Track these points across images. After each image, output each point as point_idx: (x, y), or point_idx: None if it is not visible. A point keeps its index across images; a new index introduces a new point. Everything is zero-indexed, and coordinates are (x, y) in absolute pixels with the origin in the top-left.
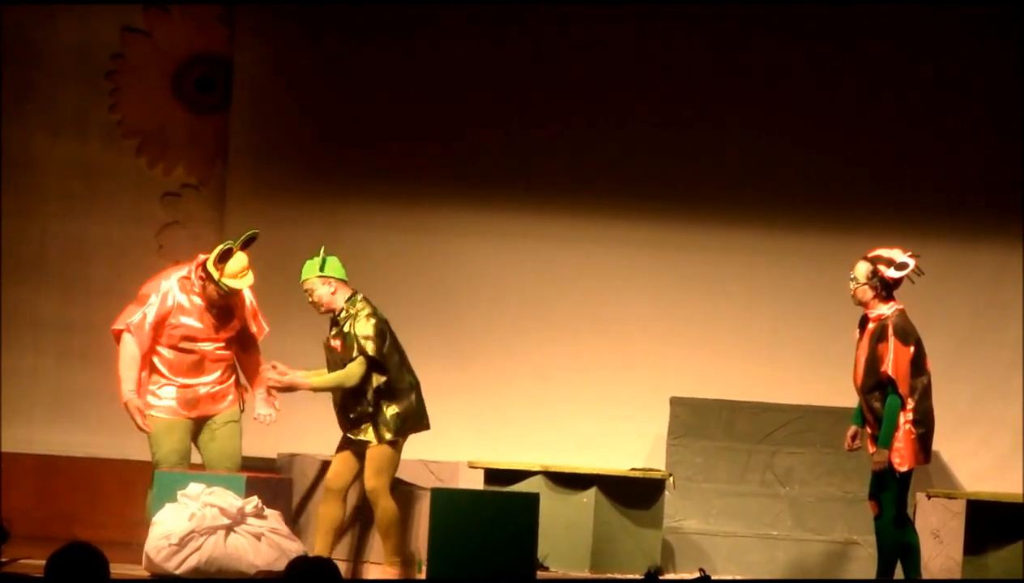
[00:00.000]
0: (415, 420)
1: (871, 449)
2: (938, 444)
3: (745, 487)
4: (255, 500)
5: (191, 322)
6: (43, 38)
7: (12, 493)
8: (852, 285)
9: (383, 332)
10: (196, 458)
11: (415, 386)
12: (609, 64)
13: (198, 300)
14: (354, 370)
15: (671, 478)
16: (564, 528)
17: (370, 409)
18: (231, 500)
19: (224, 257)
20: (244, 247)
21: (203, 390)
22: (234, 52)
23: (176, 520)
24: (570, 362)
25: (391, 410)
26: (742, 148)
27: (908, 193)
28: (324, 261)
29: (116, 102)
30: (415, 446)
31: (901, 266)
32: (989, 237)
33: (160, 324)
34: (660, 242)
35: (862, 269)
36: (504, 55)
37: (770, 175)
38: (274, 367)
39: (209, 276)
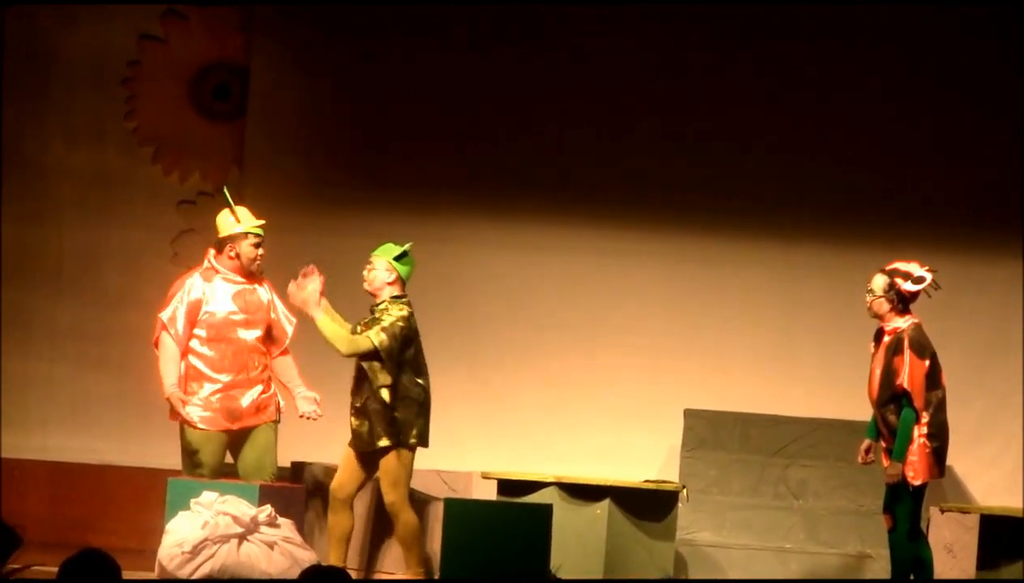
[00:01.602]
0: (417, 434)
1: (885, 462)
2: (952, 458)
3: (758, 500)
4: (268, 509)
5: (224, 306)
6: (59, 45)
7: (26, 500)
8: (868, 298)
9: (406, 337)
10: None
11: (422, 404)
12: (626, 76)
13: (227, 284)
14: (357, 341)
15: (684, 490)
16: (577, 539)
17: (372, 410)
18: (244, 508)
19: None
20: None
21: (247, 402)
22: (250, 60)
23: (189, 528)
24: (584, 374)
25: (394, 415)
26: (759, 161)
27: (922, 207)
28: (405, 254)
29: (132, 109)
30: (428, 456)
31: (918, 280)
32: (1004, 252)
33: (193, 315)
34: (676, 254)
35: (879, 282)
36: (520, 65)
37: (786, 188)
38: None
39: (234, 238)
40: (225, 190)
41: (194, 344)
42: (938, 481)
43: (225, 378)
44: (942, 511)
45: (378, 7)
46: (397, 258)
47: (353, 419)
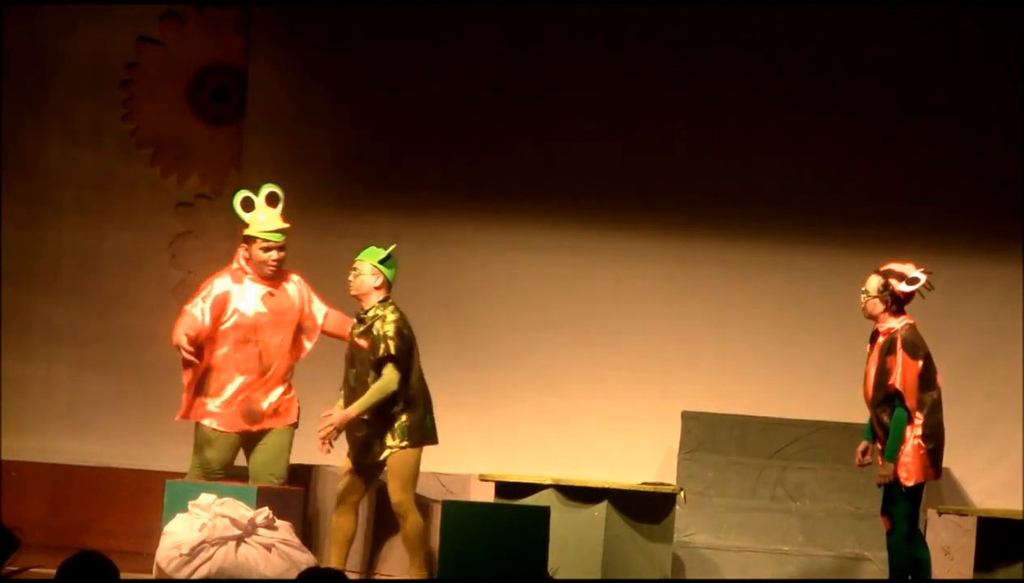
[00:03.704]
0: (424, 432)
1: (881, 463)
2: (949, 460)
3: (756, 502)
4: (266, 511)
5: (253, 307)
6: (58, 47)
7: (24, 502)
8: (863, 298)
9: (408, 338)
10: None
11: (427, 400)
12: (626, 78)
13: (256, 286)
14: (389, 374)
15: (682, 493)
16: (574, 542)
17: (386, 417)
18: (242, 511)
19: (247, 207)
20: (269, 202)
21: (266, 404)
22: (249, 62)
23: (187, 530)
24: (582, 376)
25: (402, 419)
26: (756, 164)
27: (920, 210)
28: (389, 257)
29: (130, 112)
30: (426, 459)
31: (912, 281)
32: (1001, 255)
33: (218, 308)
34: (674, 257)
35: (873, 282)
36: (519, 66)
37: (784, 191)
38: (327, 417)
39: (249, 241)
40: (237, 196)
41: (221, 344)
42: (936, 483)
43: (249, 380)
44: (939, 513)
45: (376, 9)
46: (382, 261)
47: (356, 431)
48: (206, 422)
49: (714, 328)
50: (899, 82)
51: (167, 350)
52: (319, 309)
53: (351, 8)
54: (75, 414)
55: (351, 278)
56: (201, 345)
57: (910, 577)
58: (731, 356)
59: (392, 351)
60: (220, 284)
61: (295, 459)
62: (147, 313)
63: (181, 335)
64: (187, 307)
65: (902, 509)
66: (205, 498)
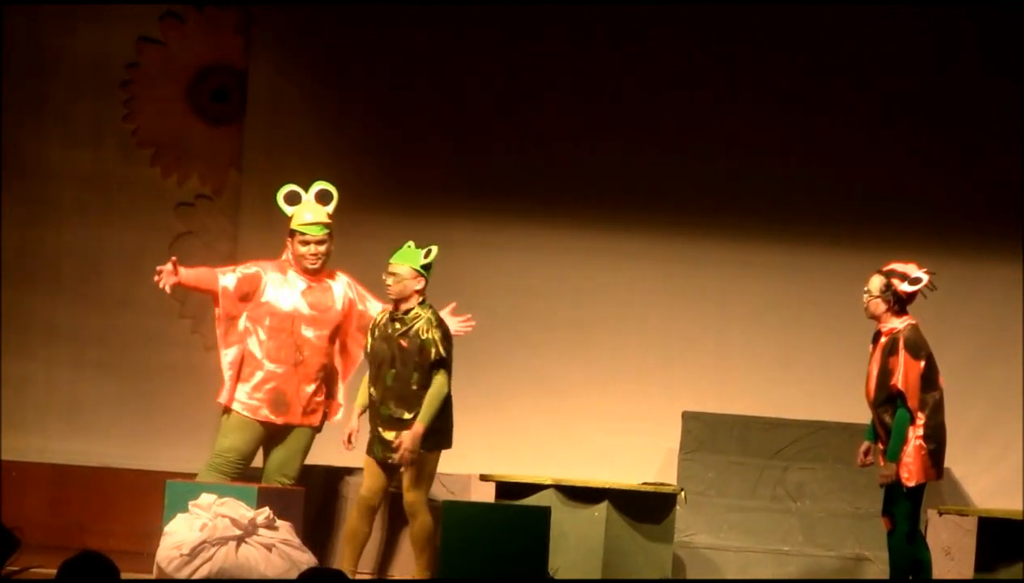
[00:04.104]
0: (445, 436)
1: (883, 464)
2: (950, 461)
3: (756, 502)
4: (266, 511)
5: (291, 301)
6: (59, 48)
7: (25, 502)
8: (865, 298)
9: (451, 339)
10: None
11: (451, 404)
12: (626, 80)
13: (300, 280)
14: (442, 379)
15: (683, 493)
16: (575, 542)
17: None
18: (242, 511)
19: (292, 200)
20: (320, 199)
21: (297, 398)
22: (249, 62)
23: (187, 530)
24: (583, 376)
25: (438, 422)
26: (757, 164)
27: (920, 211)
28: (428, 257)
29: (131, 112)
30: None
31: (915, 281)
32: (1002, 255)
33: (247, 286)
34: (674, 257)
35: (876, 282)
36: (521, 68)
37: (784, 192)
38: (400, 447)
39: (291, 234)
40: (282, 190)
41: (255, 331)
42: (936, 483)
43: (280, 369)
44: (940, 513)
45: (376, 9)
46: (425, 267)
47: (391, 432)
48: (235, 408)
49: (715, 328)
50: (899, 82)
51: (167, 350)
52: (375, 307)
53: (351, 8)
54: (75, 414)
55: (390, 283)
56: (189, 290)
57: (911, 577)
58: (731, 356)
59: (443, 355)
60: (260, 265)
61: (315, 460)
62: (147, 313)
63: (178, 266)
64: (219, 270)
65: (903, 509)
66: (205, 498)
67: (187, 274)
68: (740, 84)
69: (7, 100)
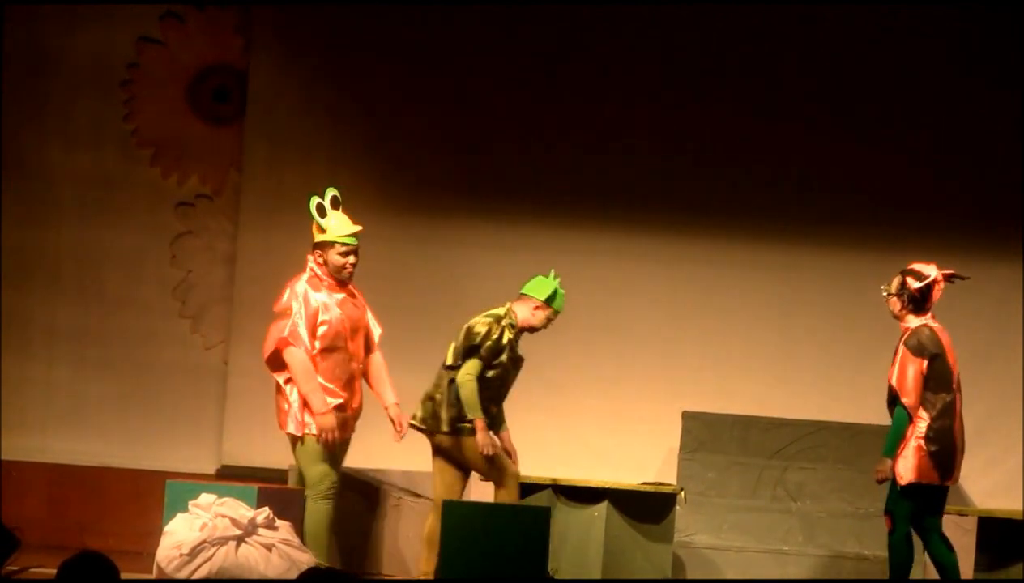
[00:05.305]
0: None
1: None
2: None
3: (757, 502)
4: (266, 511)
5: (335, 315)
6: (58, 47)
7: (25, 502)
8: (885, 296)
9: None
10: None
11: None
12: (626, 80)
13: (336, 294)
14: (467, 371)
15: (683, 493)
16: (575, 541)
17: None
18: (242, 511)
19: (321, 213)
20: (333, 206)
21: (349, 416)
22: (249, 62)
23: (187, 530)
24: (583, 376)
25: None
26: (759, 165)
27: (920, 211)
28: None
29: (131, 112)
30: (427, 458)
31: (922, 278)
32: (1004, 253)
33: (312, 326)
34: (675, 257)
35: (895, 281)
36: (520, 68)
37: (785, 191)
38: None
39: (323, 246)
40: (312, 201)
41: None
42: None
43: (340, 390)
44: None
45: (376, 9)
46: (548, 301)
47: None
48: (309, 432)
49: (715, 328)
50: (899, 83)
51: (167, 350)
52: (375, 327)
53: (351, 8)
54: (75, 414)
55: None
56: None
57: (913, 578)
58: (732, 356)
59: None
60: (308, 298)
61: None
62: (147, 313)
63: (323, 408)
64: (291, 339)
65: (901, 509)
66: (205, 498)
67: (320, 393)
68: (742, 86)
69: (7, 100)
